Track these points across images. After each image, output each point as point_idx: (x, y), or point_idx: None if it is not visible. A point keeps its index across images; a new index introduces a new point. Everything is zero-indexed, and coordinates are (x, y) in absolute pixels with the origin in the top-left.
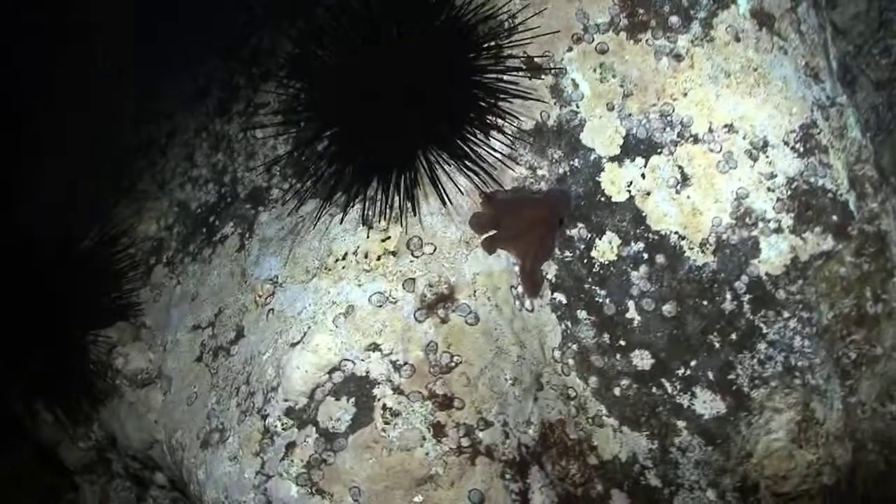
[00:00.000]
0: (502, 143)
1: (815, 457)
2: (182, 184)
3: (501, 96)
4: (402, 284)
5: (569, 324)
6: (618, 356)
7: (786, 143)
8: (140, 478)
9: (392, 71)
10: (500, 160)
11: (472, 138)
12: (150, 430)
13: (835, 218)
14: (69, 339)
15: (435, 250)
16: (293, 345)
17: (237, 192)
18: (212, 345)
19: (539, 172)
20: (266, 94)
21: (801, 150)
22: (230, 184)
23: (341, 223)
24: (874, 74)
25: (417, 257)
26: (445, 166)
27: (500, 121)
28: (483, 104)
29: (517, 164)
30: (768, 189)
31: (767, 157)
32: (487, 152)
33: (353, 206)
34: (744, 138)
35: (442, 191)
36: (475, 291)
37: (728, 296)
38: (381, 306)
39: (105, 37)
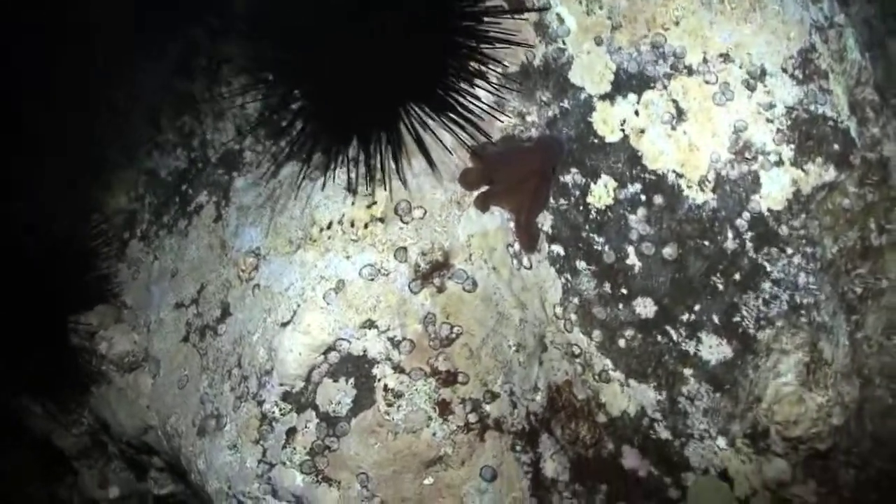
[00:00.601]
0: (487, 91)
1: (825, 398)
2: (149, 151)
3: (483, 41)
4: (394, 254)
5: (568, 276)
6: (620, 306)
7: (784, 71)
8: (137, 461)
9: (364, 21)
10: (486, 110)
11: (456, 89)
12: (142, 416)
13: (836, 147)
14: (49, 327)
15: (425, 214)
16: (283, 325)
17: (208, 156)
18: (197, 324)
19: (528, 119)
20: (229, 48)
21: (801, 76)
22: (200, 148)
23: (322, 189)
24: None
25: (407, 223)
26: (429, 121)
27: (483, 67)
28: (465, 51)
29: (505, 112)
30: (767, 120)
31: (765, 86)
32: (472, 103)
33: (333, 171)
34: (740, 67)
35: (427, 149)
36: (471, 255)
37: (730, 234)
38: (372, 279)
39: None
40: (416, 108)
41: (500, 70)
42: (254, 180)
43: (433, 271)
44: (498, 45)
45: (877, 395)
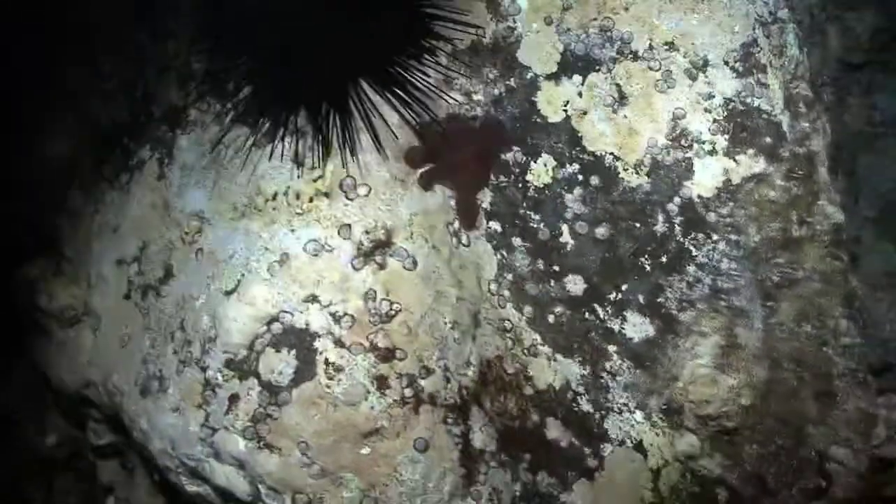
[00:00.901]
0: (435, 69)
1: (736, 381)
2: (88, 95)
3: (435, 19)
4: (338, 231)
5: (504, 253)
6: (552, 282)
7: (726, 63)
8: (76, 413)
9: None
10: (433, 90)
11: (405, 66)
12: (83, 372)
13: (768, 140)
14: None
15: (370, 191)
16: (228, 293)
17: (151, 110)
18: (139, 282)
19: (475, 98)
20: None
21: (741, 69)
22: (142, 100)
23: (269, 159)
24: None
25: (352, 200)
26: (377, 98)
27: (434, 44)
28: (416, 28)
29: (452, 89)
30: (705, 110)
31: (706, 76)
32: (420, 81)
33: (281, 140)
34: (684, 56)
35: (374, 126)
36: (412, 234)
37: (660, 218)
38: (316, 255)
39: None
40: (366, 84)
41: (449, 49)
42: (198, 140)
43: (375, 249)
44: (449, 25)
45: (783, 378)
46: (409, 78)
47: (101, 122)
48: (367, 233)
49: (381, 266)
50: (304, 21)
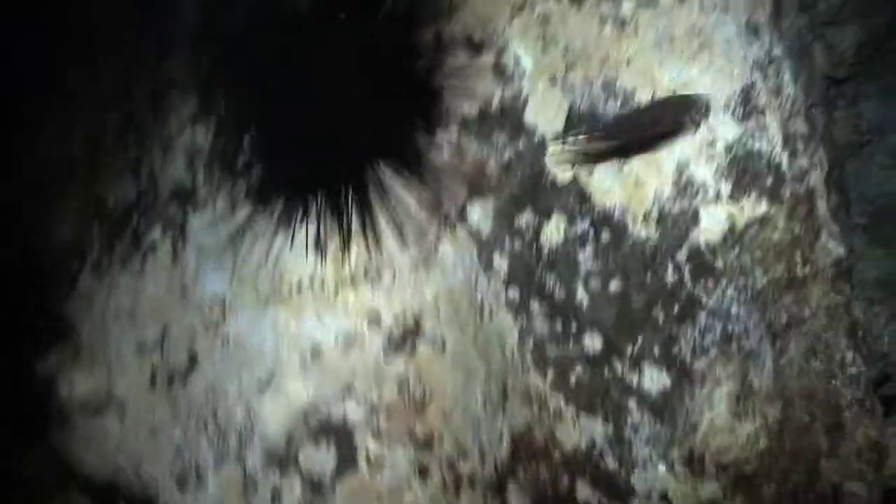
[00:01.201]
0: (450, 141)
1: (752, 427)
2: (94, 175)
3: (446, 90)
4: (367, 320)
5: (524, 318)
6: (571, 342)
7: (726, 108)
8: (104, 498)
9: (326, 65)
10: (448, 167)
11: (419, 144)
12: (111, 459)
13: (769, 181)
14: (9, 370)
15: (395, 277)
16: (261, 386)
17: (158, 189)
18: (164, 368)
19: (487, 170)
20: (175, 67)
21: (741, 113)
22: (148, 178)
23: (288, 243)
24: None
25: (378, 287)
26: (395, 178)
27: (445, 117)
28: (427, 103)
29: (464, 162)
30: (709, 157)
31: (709, 124)
32: (435, 159)
33: (298, 224)
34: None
35: (394, 208)
36: (439, 315)
37: (670, 267)
38: (348, 346)
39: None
40: (381, 164)
41: (460, 117)
42: (211, 220)
43: (406, 336)
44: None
45: (795, 416)
46: (423, 159)
47: (108, 202)
48: (396, 319)
49: (413, 352)
50: (315, 101)
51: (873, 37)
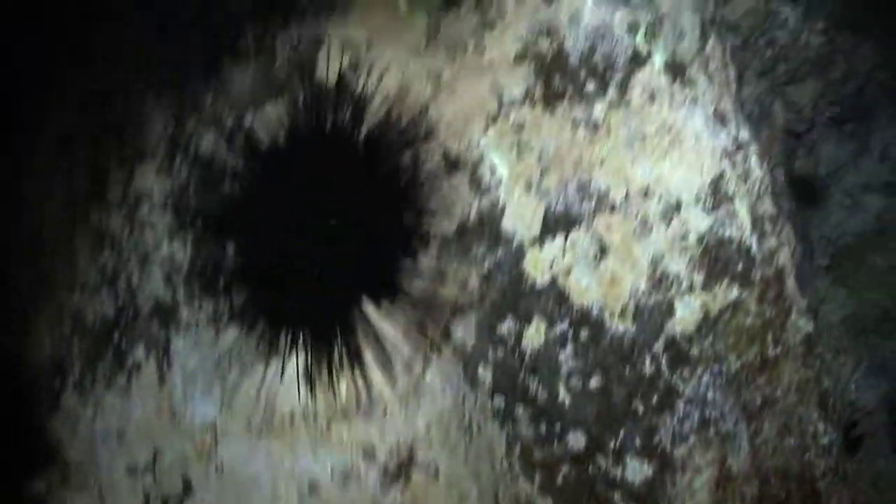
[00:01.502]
0: (430, 265)
1: None
2: (70, 288)
3: (426, 213)
4: (362, 453)
5: (510, 425)
6: (555, 443)
7: (697, 201)
8: None
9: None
10: (431, 293)
11: (401, 273)
12: None
13: (740, 266)
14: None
15: (386, 409)
16: None
17: (138, 305)
18: (157, 493)
19: (469, 286)
20: (146, 179)
21: (711, 204)
22: (127, 294)
23: (278, 374)
24: (759, 65)
25: (370, 419)
26: (381, 312)
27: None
28: (408, 230)
29: (445, 283)
30: (682, 249)
31: (681, 217)
32: (419, 289)
33: (286, 356)
34: (659, 202)
35: (382, 341)
36: (431, 443)
37: (647, 359)
38: (345, 480)
39: None
40: (365, 296)
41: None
42: (195, 342)
43: (400, 467)
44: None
45: (773, 493)
46: (407, 287)
47: (87, 319)
48: (390, 453)
49: (407, 482)
50: (293, 230)
51: (830, 89)
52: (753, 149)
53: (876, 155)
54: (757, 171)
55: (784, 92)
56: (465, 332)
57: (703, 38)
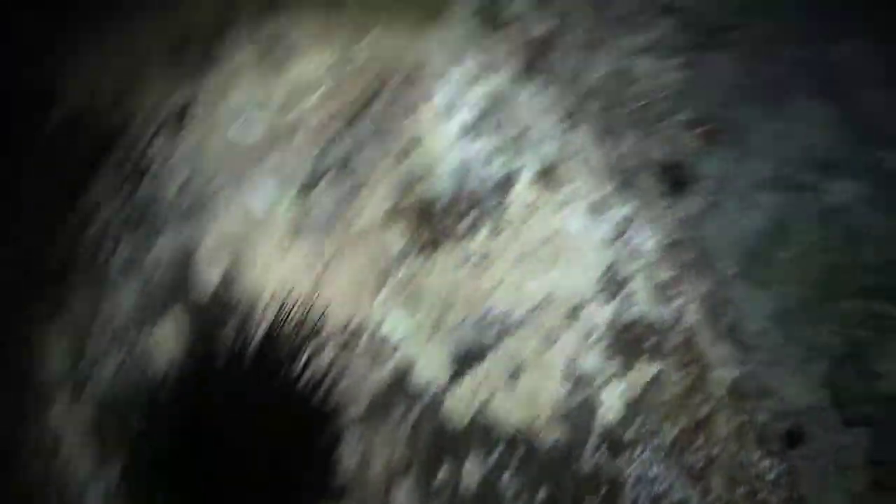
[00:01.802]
0: (354, 451)
1: None
2: None
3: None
4: None
5: None
6: None
7: (597, 293)
8: None
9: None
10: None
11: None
12: None
13: (652, 339)
14: None
15: None
16: None
17: None
18: None
19: (397, 455)
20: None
21: (610, 292)
22: None
23: None
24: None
25: None
26: None
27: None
28: (318, 429)
29: (373, 463)
30: (592, 345)
31: (584, 315)
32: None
33: None
34: (559, 308)
35: None
36: None
37: (585, 457)
38: None
39: None
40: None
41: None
42: None
43: None
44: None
45: None
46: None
47: None
48: None
49: None
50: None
51: (706, 114)
52: (637, 222)
53: (758, 154)
54: (646, 243)
55: (657, 129)
56: (405, 496)
57: (571, 126)
